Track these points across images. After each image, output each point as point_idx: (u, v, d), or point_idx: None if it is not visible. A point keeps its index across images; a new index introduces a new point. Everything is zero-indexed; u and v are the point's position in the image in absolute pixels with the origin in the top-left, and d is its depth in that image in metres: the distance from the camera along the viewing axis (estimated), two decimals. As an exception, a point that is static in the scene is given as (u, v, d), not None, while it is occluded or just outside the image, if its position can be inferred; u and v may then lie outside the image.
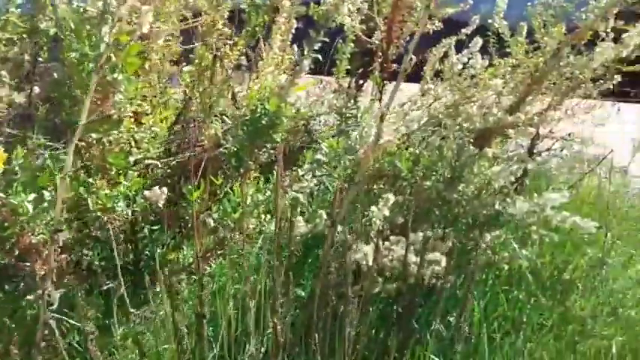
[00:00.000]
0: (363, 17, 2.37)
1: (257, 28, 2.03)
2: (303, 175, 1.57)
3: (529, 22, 1.92)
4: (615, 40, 1.77)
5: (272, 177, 2.01)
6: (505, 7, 1.90)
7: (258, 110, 1.66)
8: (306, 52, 1.70)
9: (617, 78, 2.07)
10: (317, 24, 1.69)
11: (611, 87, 2.11)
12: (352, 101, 2.74)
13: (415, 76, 2.49)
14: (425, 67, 2.52)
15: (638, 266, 1.74)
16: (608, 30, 1.74)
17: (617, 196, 2.07)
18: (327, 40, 1.70)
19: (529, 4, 1.87)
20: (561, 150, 2.25)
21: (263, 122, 1.65)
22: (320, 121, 2.81)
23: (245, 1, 1.97)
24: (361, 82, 2.79)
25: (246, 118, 1.68)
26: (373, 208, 1.31)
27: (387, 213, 1.29)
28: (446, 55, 2.38)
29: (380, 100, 2.61)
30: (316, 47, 1.71)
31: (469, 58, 1.82)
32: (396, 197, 1.69)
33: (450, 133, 1.93)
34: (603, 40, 1.79)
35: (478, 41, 1.74)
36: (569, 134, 2.05)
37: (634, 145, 2.37)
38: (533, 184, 2.03)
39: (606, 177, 2.04)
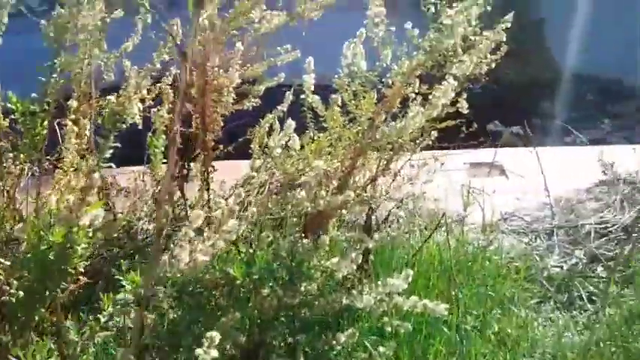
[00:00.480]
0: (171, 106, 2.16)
1: (37, 138, 1.70)
2: (106, 322, 1.26)
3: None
4: (425, 98, 1.78)
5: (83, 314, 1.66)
6: (313, 82, 1.81)
7: (43, 243, 1.33)
8: (96, 163, 1.43)
9: (434, 134, 2.11)
10: (104, 128, 1.44)
11: (431, 142, 2.15)
12: (178, 193, 2.50)
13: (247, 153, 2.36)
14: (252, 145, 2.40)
15: (494, 326, 1.69)
16: (417, 91, 1.75)
17: (459, 252, 2.05)
18: (118, 145, 1.45)
19: (336, 76, 1.81)
20: (398, 220, 2.22)
21: (50, 258, 1.32)
22: (147, 222, 2.50)
23: (16, 110, 1.64)
24: (185, 171, 2.57)
25: (28, 255, 1.34)
26: (198, 350, 1.05)
27: (215, 354, 1.04)
28: (272, 128, 2.28)
29: (207, 189, 2.39)
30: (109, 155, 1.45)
31: (287, 140, 1.69)
32: (233, 313, 1.46)
33: (285, 223, 1.78)
34: (414, 100, 1.80)
35: (291, 124, 1.61)
36: (402, 200, 2.01)
37: (463, 196, 2.42)
38: (378, 257, 1.92)
39: (447, 231, 2.01)
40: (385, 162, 2.01)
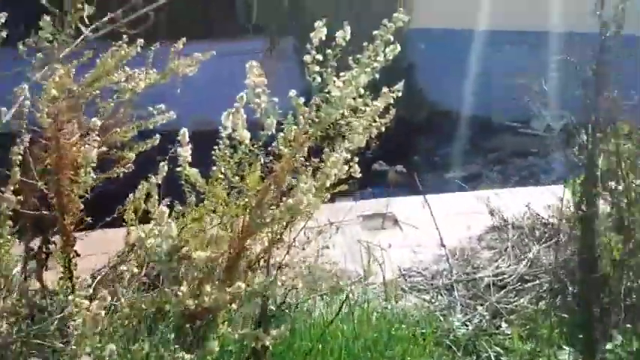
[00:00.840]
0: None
1: None
2: None
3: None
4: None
5: None
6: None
7: None
8: None
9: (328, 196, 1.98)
10: None
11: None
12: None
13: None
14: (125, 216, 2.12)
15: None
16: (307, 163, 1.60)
17: (363, 324, 1.90)
18: None
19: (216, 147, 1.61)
20: (297, 290, 2.03)
21: None
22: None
23: None
24: (44, 255, 2.21)
25: None
26: None
27: None
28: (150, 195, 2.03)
29: (70, 277, 2.04)
30: None
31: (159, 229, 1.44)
32: None
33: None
34: (306, 166, 1.65)
35: (165, 211, 1.37)
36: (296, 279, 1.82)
37: (361, 256, 2.30)
38: (278, 348, 1.71)
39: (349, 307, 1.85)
40: (279, 234, 1.82)
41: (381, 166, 6.29)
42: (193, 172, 1.64)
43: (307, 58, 1.28)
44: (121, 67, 2.05)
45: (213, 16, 6.45)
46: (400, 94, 1.47)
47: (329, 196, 1.97)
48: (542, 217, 2.73)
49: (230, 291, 1.43)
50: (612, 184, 2.02)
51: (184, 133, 1.53)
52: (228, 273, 1.55)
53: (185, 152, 1.58)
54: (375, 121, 1.66)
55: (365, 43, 1.27)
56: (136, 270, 1.56)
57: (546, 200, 2.82)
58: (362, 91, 1.35)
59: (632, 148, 2.10)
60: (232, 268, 1.59)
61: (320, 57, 1.28)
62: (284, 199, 1.57)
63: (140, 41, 2.14)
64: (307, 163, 1.57)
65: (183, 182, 1.72)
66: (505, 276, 2.35)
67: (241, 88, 1.55)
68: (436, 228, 2.78)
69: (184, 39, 2.31)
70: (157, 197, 2.02)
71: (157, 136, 2.24)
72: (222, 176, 1.66)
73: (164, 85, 2.27)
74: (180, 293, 1.43)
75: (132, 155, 2.15)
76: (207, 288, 1.40)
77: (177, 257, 1.54)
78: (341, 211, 2.92)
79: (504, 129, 6.68)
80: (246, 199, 1.62)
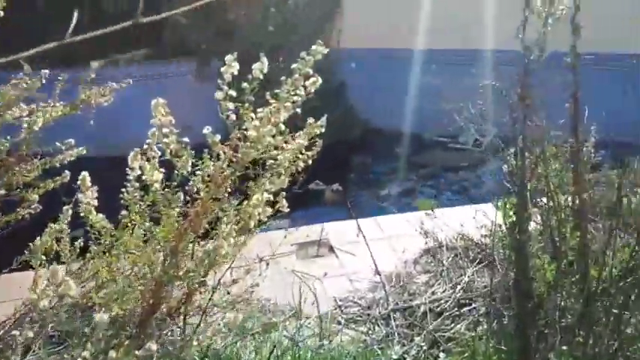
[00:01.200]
0: None
1: None
2: None
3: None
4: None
5: None
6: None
7: None
8: None
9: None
10: None
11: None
12: None
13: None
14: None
15: None
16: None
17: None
18: None
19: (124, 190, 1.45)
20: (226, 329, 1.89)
21: None
22: None
23: None
24: None
25: None
26: None
27: None
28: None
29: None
30: None
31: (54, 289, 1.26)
32: None
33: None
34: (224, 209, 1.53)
35: (58, 268, 1.20)
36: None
37: (297, 286, 2.18)
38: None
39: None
40: (199, 281, 1.68)
41: (318, 186, 6.23)
42: (99, 219, 1.48)
43: (219, 94, 1.16)
44: (19, 101, 1.86)
45: (140, 38, 6.21)
46: (323, 129, 1.37)
47: (257, 231, 1.86)
48: (475, 240, 2.71)
49: (140, 354, 1.27)
50: (542, 203, 2.02)
51: (84, 178, 1.37)
52: (141, 328, 1.39)
53: (87, 198, 1.41)
54: (301, 153, 1.56)
55: (283, 77, 1.17)
56: (31, 334, 1.36)
57: (479, 219, 2.81)
58: (282, 127, 1.25)
59: (559, 168, 2.11)
60: (146, 322, 1.43)
61: (234, 93, 1.16)
62: (203, 242, 1.44)
63: (45, 72, 1.97)
64: (226, 205, 1.44)
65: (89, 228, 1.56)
66: (442, 302, 2.29)
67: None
68: (371, 256, 2.71)
69: (98, 63, 2.15)
70: (67, 239, 1.85)
71: (67, 172, 2.05)
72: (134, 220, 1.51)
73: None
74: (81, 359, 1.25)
75: (35, 197, 1.94)
76: (112, 354, 1.23)
77: (80, 315, 1.37)
78: (275, 241, 2.80)
79: (434, 144, 6.78)
80: (161, 245, 1.47)
